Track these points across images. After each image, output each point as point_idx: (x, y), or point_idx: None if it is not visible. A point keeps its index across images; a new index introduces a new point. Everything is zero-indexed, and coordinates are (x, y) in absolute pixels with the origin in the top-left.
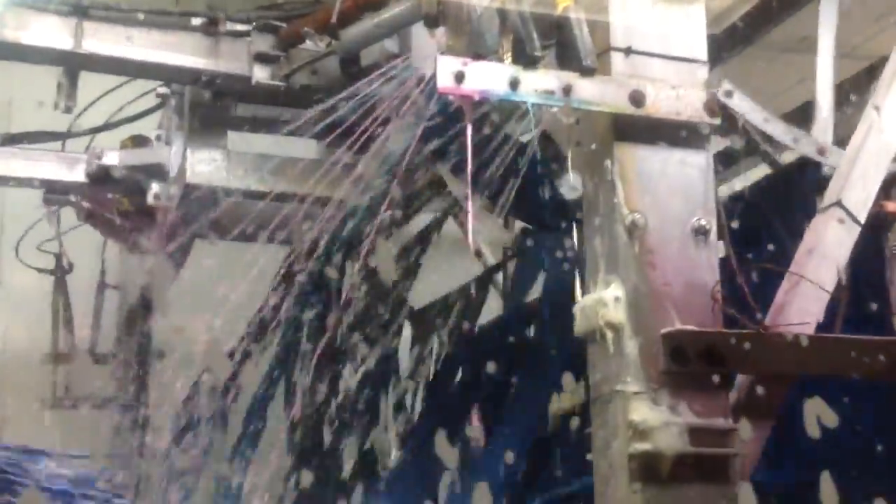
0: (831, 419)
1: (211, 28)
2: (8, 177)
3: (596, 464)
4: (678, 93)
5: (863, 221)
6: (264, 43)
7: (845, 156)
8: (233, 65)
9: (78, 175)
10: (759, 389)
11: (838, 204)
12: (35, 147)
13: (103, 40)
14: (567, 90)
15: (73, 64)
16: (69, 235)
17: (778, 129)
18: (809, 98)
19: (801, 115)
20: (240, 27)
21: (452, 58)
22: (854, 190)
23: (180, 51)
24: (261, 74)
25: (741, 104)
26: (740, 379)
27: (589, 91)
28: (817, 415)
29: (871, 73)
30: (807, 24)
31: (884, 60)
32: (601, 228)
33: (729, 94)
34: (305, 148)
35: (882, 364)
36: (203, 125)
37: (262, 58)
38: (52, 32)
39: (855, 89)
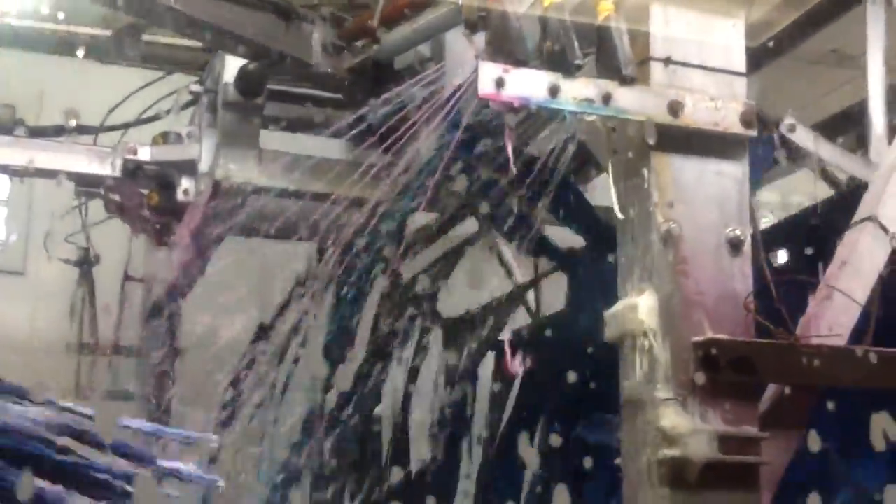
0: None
1: (283, 11)
2: (39, 169)
3: (625, 469)
4: (716, 104)
5: None
6: (330, 33)
7: (880, 171)
8: (298, 49)
9: (109, 169)
10: (789, 400)
11: (872, 218)
12: (66, 140)
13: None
14: (606, 99)
15: (145, 12)
16: (96, 228)
17: (838, 158)
18: (836, 110)
19: (831, 127)
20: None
21: (494, 64)
22: (888, 205)
23: (252, 26)
24: (324, 63)
25: (804, 137)
26: (770, 389)
27: (628, 100)
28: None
29: None
30: (836, 37)
31: None
32: (636, 236)
33: (792, 128)
34: (337, 149)
35: None
36: (235, 124)
37: (327, 47)
38: None
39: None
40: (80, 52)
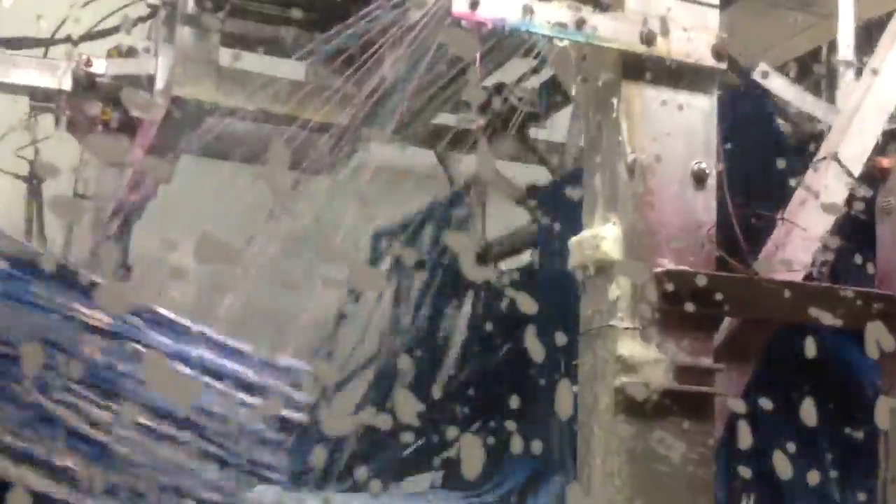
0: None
1: None
2: None
3: (581, 395)
4: (689, 35)
5: (857, 175)
6: None
7: (842, 111)
8: None
9: (61, 82)
10: (744, 333)
11: (834, 157)
12: (17, 53)
13: None
14: (580, 24)
15: None
16: (48, 146)
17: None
18: (798, 54)
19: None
20: None
21: None
22: (850, 145)
23: None
24: None
25: (777, 84)
26: (727, 321)
27: (601, 27)
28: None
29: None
30: None
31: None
32: (603, 166)
33: (766, 74)
34: (297, 70)
35: (867, 313)
36: (192, 39)
37: None
38: None
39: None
40: None
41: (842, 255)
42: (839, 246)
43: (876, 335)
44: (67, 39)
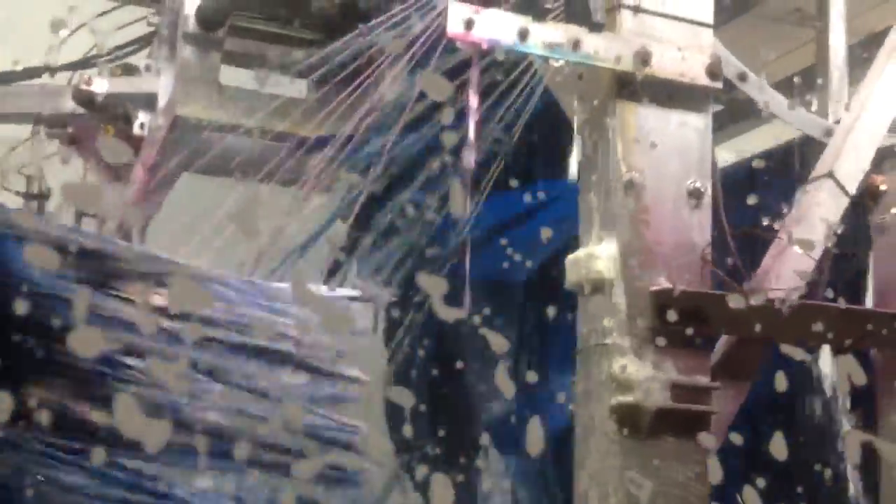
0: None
1: None
2: None
3: (578, 414)
4: (683, 54)
5: (852, 193)
6: None
7: (839, 129)
8: None
9: (62, 105)
10: (740, 351)
11: (830, 175)
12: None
13: None
14: (575, 45)
15: None
16: (53, 164)
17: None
18: (797, 70)
19: (791, 86)
20: None
21: (463, 4)
22: (846, 162)
23: None
24: None
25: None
26: (722, 339)
27: (596, 47)
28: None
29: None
30: None
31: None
32: (598, 185)
33: (743, 77)
34: (300, 88)
35: (862, 332)
36: (194, 57)
37: None
38: None
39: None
40: None
41: (835, 273)
42: (833, 273)
43: (847, 369)
44: (69, 66)
